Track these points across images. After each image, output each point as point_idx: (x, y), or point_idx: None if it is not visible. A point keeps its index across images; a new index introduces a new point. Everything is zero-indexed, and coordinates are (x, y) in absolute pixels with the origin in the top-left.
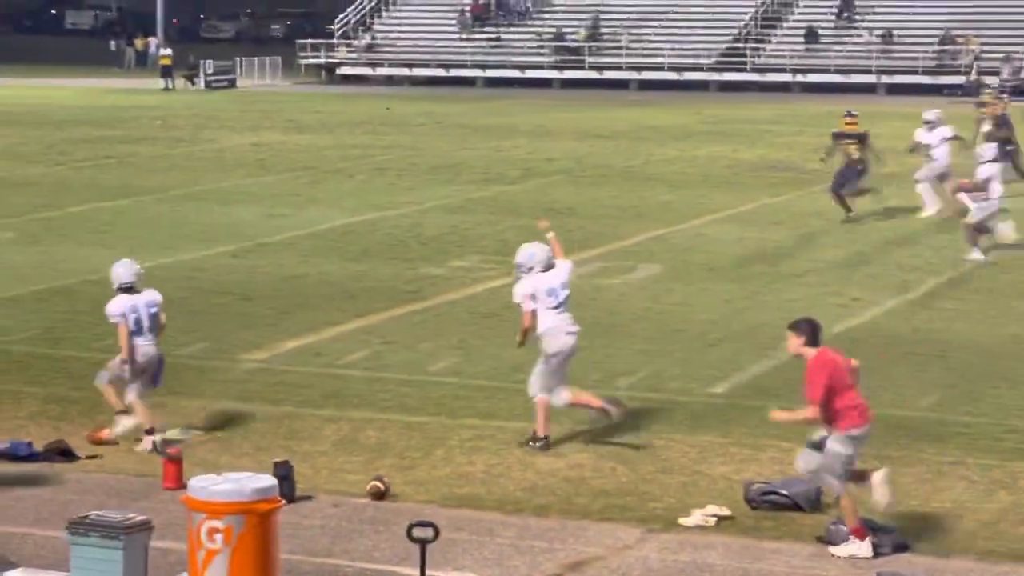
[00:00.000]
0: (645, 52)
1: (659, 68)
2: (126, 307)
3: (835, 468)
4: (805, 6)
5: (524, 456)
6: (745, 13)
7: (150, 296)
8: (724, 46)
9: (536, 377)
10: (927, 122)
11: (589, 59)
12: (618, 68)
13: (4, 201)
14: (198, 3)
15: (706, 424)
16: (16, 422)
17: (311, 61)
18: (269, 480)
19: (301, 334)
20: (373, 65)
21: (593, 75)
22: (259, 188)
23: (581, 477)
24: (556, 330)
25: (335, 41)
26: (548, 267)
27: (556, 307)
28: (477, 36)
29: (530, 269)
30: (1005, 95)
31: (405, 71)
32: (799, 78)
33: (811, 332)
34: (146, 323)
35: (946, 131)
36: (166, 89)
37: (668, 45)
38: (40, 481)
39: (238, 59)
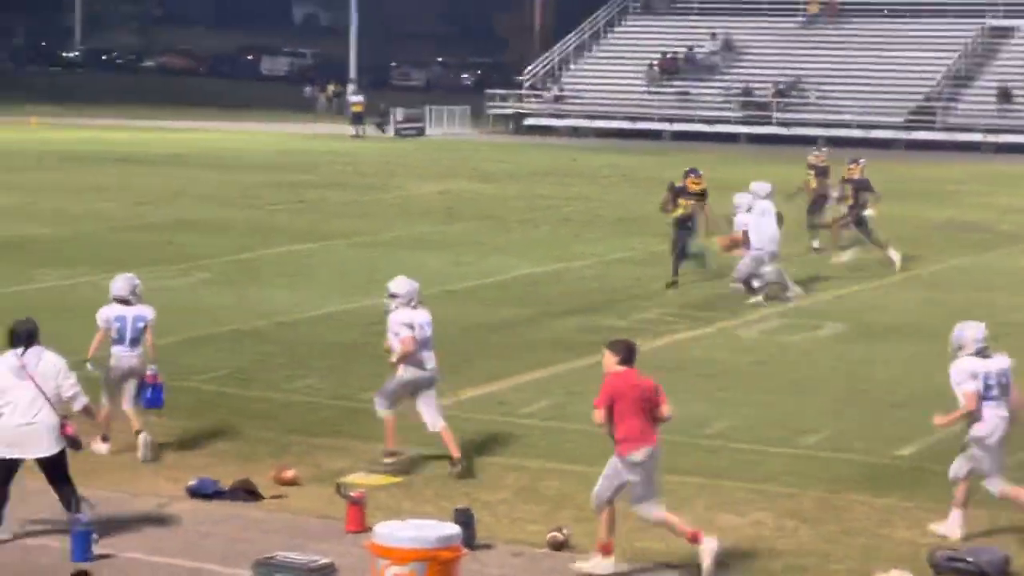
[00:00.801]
0: (833, 109)
1: (846, 125)
2: (112, 315)
3: (639, 494)
4: (998, 66)
5: (704, 512)
6: (937, 72)
7: (141, 311)
8: (914, 104)
9: (385, 396)
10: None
11: (776, 115)
12: (805, 124)
13: (202, 243)
14: (389, 51)
15: (890, 486)
16: (204, 460)
17: (499, 111)
18: (452, 528)
19: (483, 382)
20: (560, 116)
21: (780, 131)
22: (445, 236)
23: (761, 536)
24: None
25: (523, 92)
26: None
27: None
28: (664, 89)
29: (408, 302)
30: None
31: (591, 123)
32: (990, 138)
33: (626, 352)
34: (128, 334)
35: None
36: (357, 136)
37: (857, 102)
38: (226, 519)
39: (428, 107)
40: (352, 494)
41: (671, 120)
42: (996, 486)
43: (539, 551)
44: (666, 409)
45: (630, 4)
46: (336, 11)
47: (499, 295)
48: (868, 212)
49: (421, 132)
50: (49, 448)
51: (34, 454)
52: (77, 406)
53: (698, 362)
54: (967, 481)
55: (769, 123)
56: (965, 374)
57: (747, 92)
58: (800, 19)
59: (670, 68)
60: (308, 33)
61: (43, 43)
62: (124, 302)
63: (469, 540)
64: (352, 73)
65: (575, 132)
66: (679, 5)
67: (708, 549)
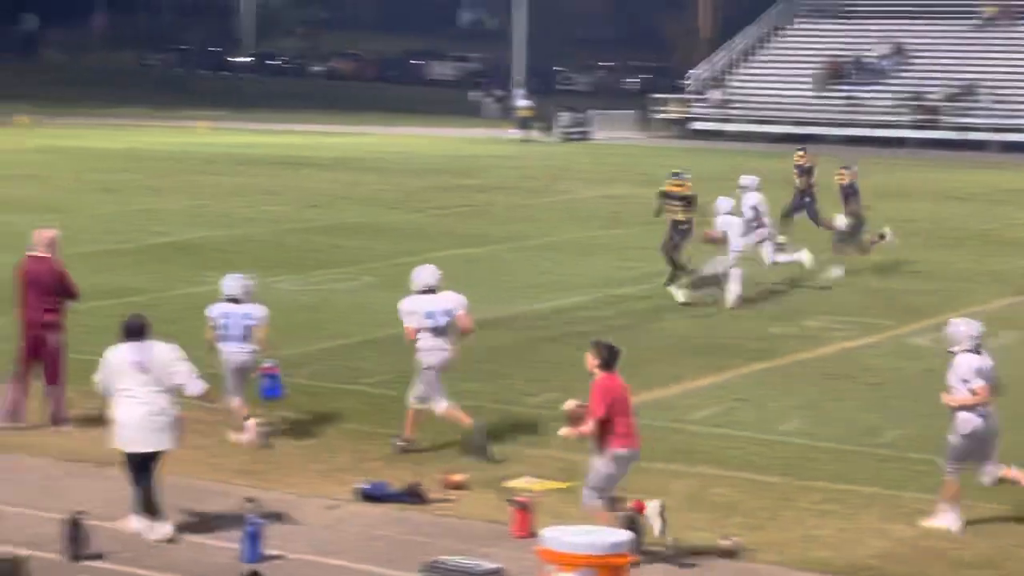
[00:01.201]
0: (1008, 113)
1: (1020, 130)
2: (220, 313)
3: (596, 483)
4: None
5: (877, 522)
6: None
7: (250, 309)
8: None
9: (416, 388)
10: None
11: (947, 119)
12: (977, 129)
13: (367, 246)
14: (555, 56)
15: None
16: (375, 463)
17: (664, 115)
18: (623, 534)
19: (652, 387)
20: (726, 121)
21: (951, 135)
22: (612, 239)
23: (938, 547)
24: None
25: (689, 96)
26: (428, 291)
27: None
28: (831, 94)
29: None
30: None
31: (757, 127)
32: None
33: (608, 356)
34: (236, 331)
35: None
36: (523, 140)
37: None
38: (394, 522)
39: (593, 112)
40: (519, 499)
41: (837, 124)
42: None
43: (707, 559)
44: None
45: (798, 7)
46: (502, 15)
47: (665, 300)
48: (840, 218)
49: (586, 136)
50: (160, 443)
51: (155, 446)
52: (194, 390)
53: (868, 370)
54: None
55: (939, 127)
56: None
57: (917, 96)
58: (975, 22)
59: (838, 72)
60: (474, 37)
61: (213, 48)
62: (234, 301)
63: (637, 546)
64: (518, 77)
65: (742, 137)
66: (848, 8)
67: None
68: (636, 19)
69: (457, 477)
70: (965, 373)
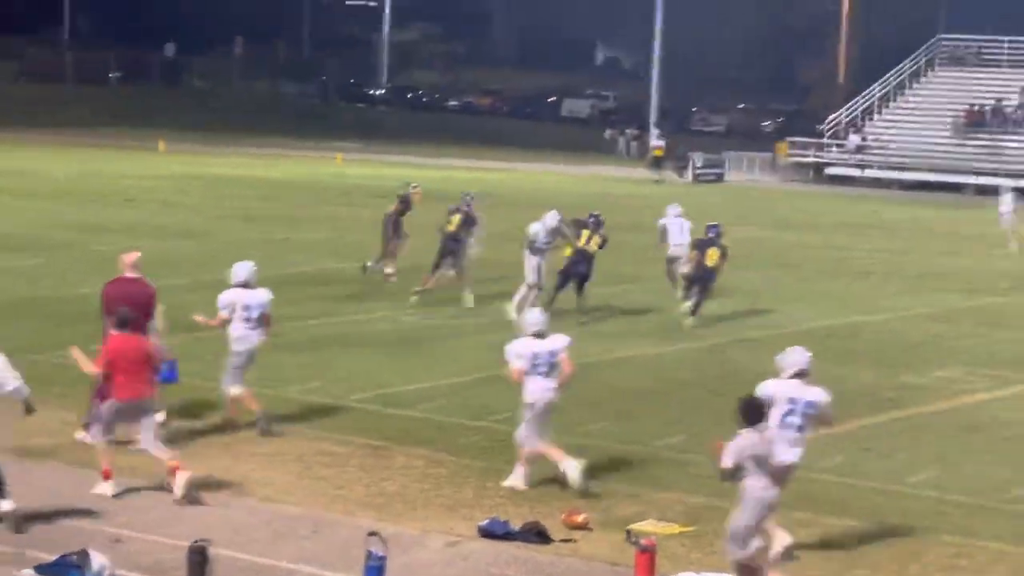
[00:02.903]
0: None
1: None
2: (231, 299)
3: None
4: None
5: None
6: None
7: (262, 295)
8: None
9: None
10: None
11: None
12: None
13: (493, 284)
14: (691, 96)
15: None
16: (496, 500)
17: (799, 159)
18: None
19: None
20: (862, 166)
21: None
22: (742, 283)
23: None
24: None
25: (825, 140)
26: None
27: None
28: (970, 142)
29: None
30: None
31: (894, 174)
32: None
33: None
34: (253, 315)
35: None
36: (656, 181)
37: None
38: (516, 561)
39: (727, 153)
40: (642, 541)
41: (976, 173)
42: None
43: None
44: None
45: (937, 56)
46: (638, 54)
47: (797, 345)
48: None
49: (720, 178)
50: None
51: None
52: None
53: (1000, 423)
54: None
55: None
56: None
57: None
58: None
59: (977, 120)
60: (610, 75)
61: (352, 80)
62: (245, 286)
63: None
64: (653, 117)
65: (877, 183)
66: (988, 56)
67: None
68: (773, 61)
69: (579, 517)
70: None
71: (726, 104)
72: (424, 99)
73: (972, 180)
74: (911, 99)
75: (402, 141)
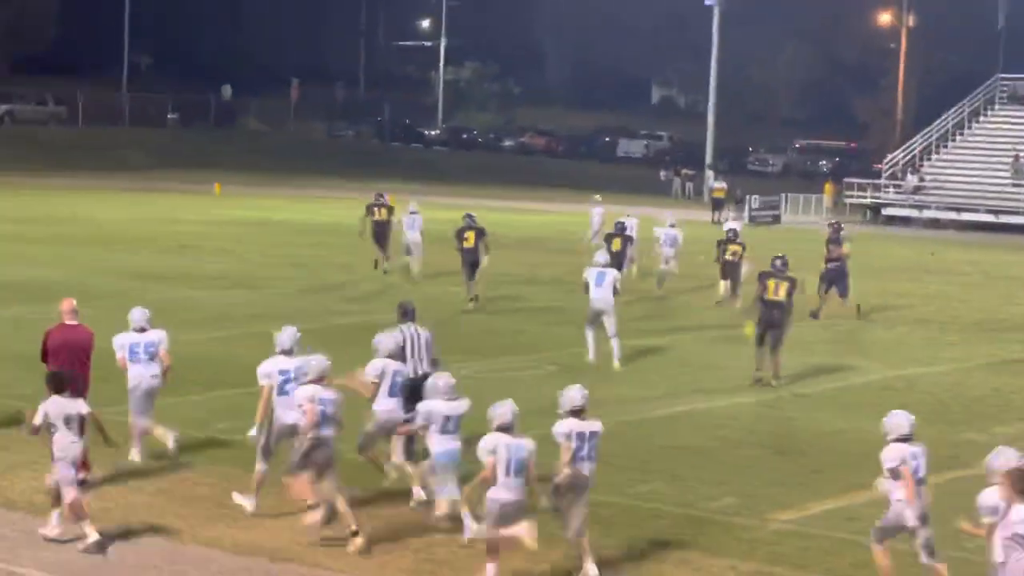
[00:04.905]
0: None
1: None
2: (274, 369)
3: None
4: None
5: None
6: None
7: (301, 363)
8: None
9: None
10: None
11: None
12: None
13: (548, 333)
14: (747, 136)
15: None
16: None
17: (856, 200)
18: None
19: (834, 495)
20: (919, 207)
21: None
22: (799, 333)
23: None
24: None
25: (882, 181)
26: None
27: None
28: None
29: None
30: None
31: (952, 215)
32: None
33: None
34: (291, 387)
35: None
36: (715, 222)
37: None
38: None
39: (784, 194)
40: None
41: None
42: None
43: None
44: None
45: (996, 94)
46: (693, 93)
47: (852, 400)
48: None
49: (777, 219)
50: None
51: None
52: None
53: None
54: None
55: None
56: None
57: None
58: None
59: None
60: (665, 115)
61: (407, 121)
62: (288, 353)
63: None
64: (709, 158)
65: (935, 224)
66: None
67: None
68: (830, 100)
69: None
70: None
71: (782, 143)
72: (479, 139)
73: None
74: (970, 139)
75: (458, 182)
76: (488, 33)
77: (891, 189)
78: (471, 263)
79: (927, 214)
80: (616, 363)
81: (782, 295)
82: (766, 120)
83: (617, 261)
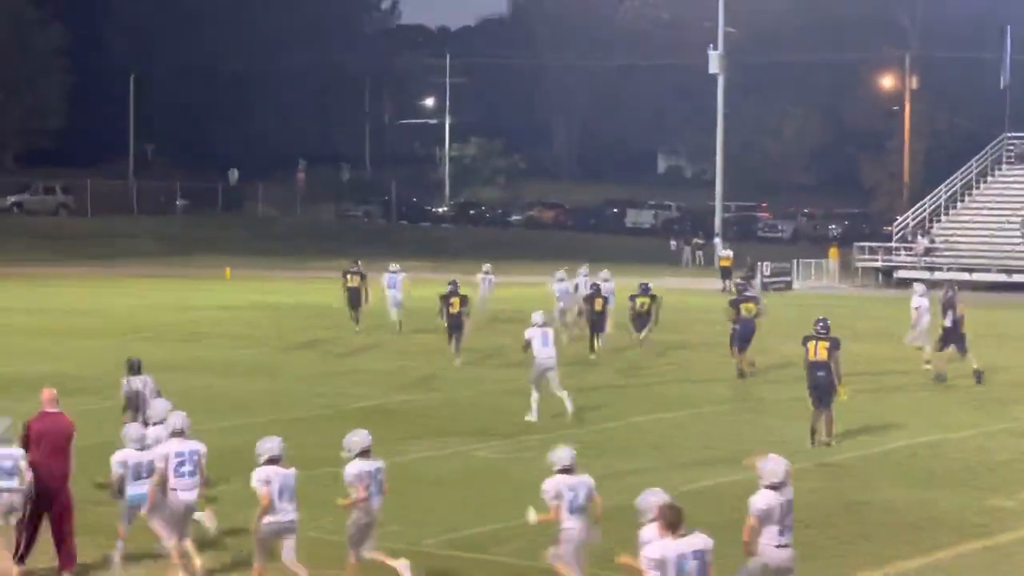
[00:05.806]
0: None
1: None
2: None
3: None
4: None
5: None
6: None
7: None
8: None
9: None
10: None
11: None
12: None
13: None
14: (755, 201)
15: None
16: None
17: (868, 264)
18: None
19: (866, 567)
20: (931, 269)
21: None
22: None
23: None
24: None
25: (893, 244)
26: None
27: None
28: None
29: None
30: None
31: (964, 275)
32: None
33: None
34: (287, 493)
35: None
36: (724, 290)
37: None
38: None
39: (795, 260)
40: None
41: None
42: None
43: None
44: None
45: (1004, 153)
46: (700, 162)
47: (878, 468)
48: None
49: (788, 286)
50: None
51: None
52: None
53: None
54: None
55: None
56: None
57: None
58: None
59: None
60: (672, 184)
61: (414, 199)
62: (275, 461)
63: None
64: (717, 226)
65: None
66: None
67: None
68: (836, 163)
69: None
70: None
71: (791, 210)
72: (487, 215)
73: None
74: (979, 199)
75: (468, 258)
76: (493, 109)
77: (902, 252)
78: (456, 326)
79: (940, 276)
80: (570, 410)
81: (823, 355)
82: (774, 185)
83: (600, 321)
